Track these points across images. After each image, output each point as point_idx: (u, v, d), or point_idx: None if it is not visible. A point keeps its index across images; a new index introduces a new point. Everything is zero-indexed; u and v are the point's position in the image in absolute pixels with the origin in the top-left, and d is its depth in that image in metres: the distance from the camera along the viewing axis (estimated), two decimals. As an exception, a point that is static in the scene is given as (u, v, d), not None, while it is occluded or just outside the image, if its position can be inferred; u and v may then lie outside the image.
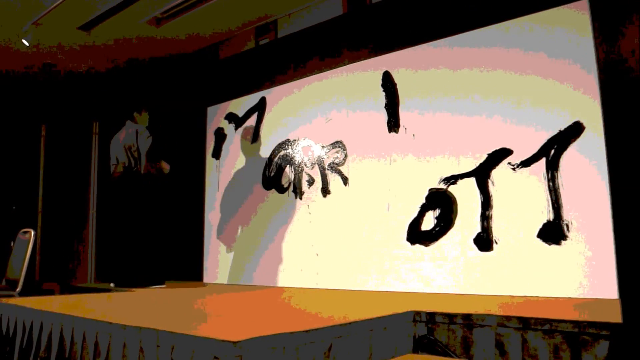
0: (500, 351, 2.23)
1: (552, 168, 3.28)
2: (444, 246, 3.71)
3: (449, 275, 3.66)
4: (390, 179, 4.08)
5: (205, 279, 5.50)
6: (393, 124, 4.13)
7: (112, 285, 4.77)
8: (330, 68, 4.64)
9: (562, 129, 3.27)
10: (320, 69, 4.73)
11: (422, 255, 3.81)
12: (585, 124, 3.18)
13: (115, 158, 4.80)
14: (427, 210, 3.83)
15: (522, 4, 3.54)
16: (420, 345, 2.46)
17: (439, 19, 4.00)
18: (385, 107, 4.19)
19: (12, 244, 4.95)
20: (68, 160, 7.40)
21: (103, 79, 6.87)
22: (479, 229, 3.55)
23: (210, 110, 5.78)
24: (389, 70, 4.20)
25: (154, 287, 4.64)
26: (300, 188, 4.74)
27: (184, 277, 5.13)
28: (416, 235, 3.87)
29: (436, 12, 4.03)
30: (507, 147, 3.49)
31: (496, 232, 3.48)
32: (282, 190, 4.90)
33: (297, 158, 4.81)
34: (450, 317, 2.40)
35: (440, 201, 3.77)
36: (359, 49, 4.48)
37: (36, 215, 7.38)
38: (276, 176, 4.96)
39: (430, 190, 3.83)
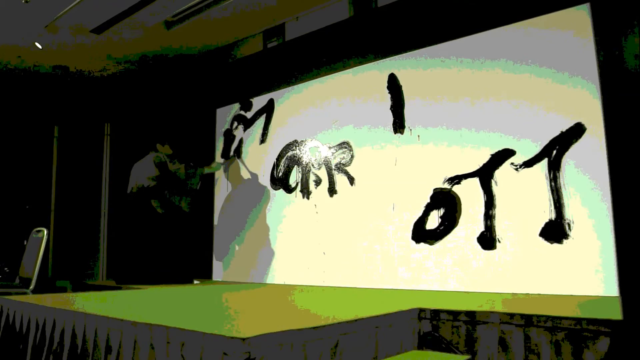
0: (503, 347, 2.26)
1: (554, 168, 3.32)
2: (448, 245, 3.75)
3: (453, 273, 3.70)
4: (396, 179, 4.12)
5: (215, 277, 5.56)
6: (398, 125, 4.17)
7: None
8: (337, 70, 4.69)
9: (564, 130, 3.31)
10: (327, 71, 4.77)
11: (427, 253, 3.85)
12: (586, 126, 3.22)
13: (134, 179, 5.07)
14: (432, 210, 3.87)
15: (525, 7, 3.57)
16: (425, 342, 2.49)
17: (444, 22, 4.03)
18: (390, 108, 4.23)
19: (25, 243, 5.01)
20: (80, 160, 7.45)
21: (114, 81, 6.93)
22: (482, 228, 3.59)
23: (220, 111, 5.83)
24: (394, 73, 4.24)
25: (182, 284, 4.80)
26: (308, 188, 4.78)
27: (193, 275, 5.18)
28: (421, 234, 3.91)
29: (441, 15, 4.06)
30: (510, 147, 3.53)
31: (499, 231, 3.51)
32: (289, 190, 4.95)
33: (305, 158, 4.85)
34: (455, 314, 2.43)
35: (445, 201, 3.81)
36: (365, 52, 4.51)
37: (49, 214, 7.43)
38: (284, 176, 5.01)
39: (434, 190, 3.87)
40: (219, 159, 5.72)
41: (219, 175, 5.69)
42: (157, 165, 4.98)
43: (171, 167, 5.01)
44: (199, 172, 5.17)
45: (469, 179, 3.71)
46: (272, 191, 5.10)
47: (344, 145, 4.53)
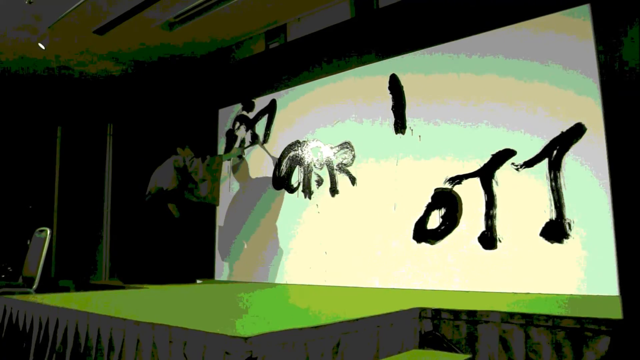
0: (503, 346, 2.26)
1: (555, 168, 3.32)
2: (449, 244, 3.75)
3: (454, 272, 3.70)
4: (397, 179, 4.13)
5: (217, 277, 5.57)
6: (400, 126, 4.18)
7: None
8: (339, 71, 4.69)
9: (564, 130, 3.31)
10: (328, 72, 4.78)
11: (428, 253, 3.85)
12: (586, 126, 3.23)
13: (154, 182, 5.10)
14: (433, 210, 3.88)
15: (526, 8, 3.57)
16: (426, 341, 2.49)
17: (444, 23, 4.04)
18: (392, 109, 4.24)
19: (28, 242, 5.03)
20: (83, 160, 7.48)
21: (117, 82, 6.95)
22: (483, 228, 3.59)
23: (222, 112, 5.85)
24: (395, 73, 4.25)
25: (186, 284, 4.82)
26: (310, 188, 4.79)
27: (196, 274, 5.20)
28: (422, 233, 3.92)
29: (441, 16, 4.07)
30: (511, 148, 3.54)
31: (500, 230, 3.52)
32: (291, 190, 4.96)
33: (307, 159, 4.86)
34: (455, 314, 2.43)
35: (446, 201, 3.81)
36: (366, 52, 4.52)
37: (52, 214, 7.47)
38: (286, 176, 5.02)
39: (435, 190, 3.88)
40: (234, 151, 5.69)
41: (221, 176, 5.69)
42: (176, 169, 4.99)
43: (189, 168, 5.00)
44: (218, 161, 5.13)
45: (470, 179, 3.71)
46: (274, 191, 5.11)
47: (346, 145, 4.54)
